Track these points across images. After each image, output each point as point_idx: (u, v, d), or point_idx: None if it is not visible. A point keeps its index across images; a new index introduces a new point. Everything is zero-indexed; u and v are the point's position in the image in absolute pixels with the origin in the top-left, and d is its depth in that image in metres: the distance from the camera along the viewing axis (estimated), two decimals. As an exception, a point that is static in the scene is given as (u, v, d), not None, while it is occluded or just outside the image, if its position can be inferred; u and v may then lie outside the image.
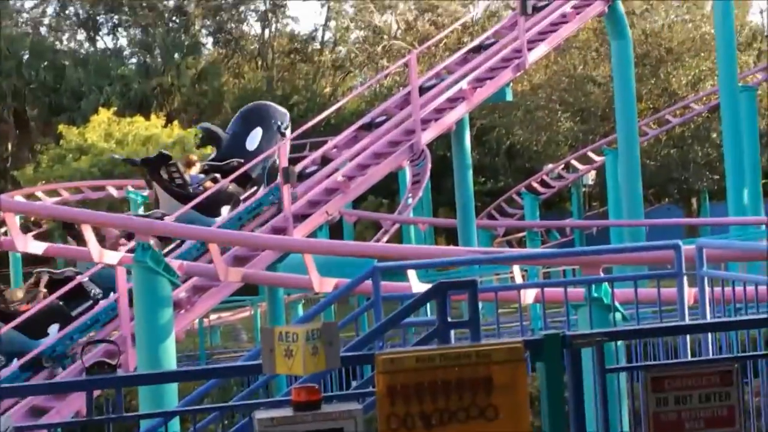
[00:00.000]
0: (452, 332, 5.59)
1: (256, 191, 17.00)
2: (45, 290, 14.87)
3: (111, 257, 13.03)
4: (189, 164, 17.52)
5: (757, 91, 26.33)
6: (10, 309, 14.38)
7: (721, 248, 7.98)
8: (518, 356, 4.54)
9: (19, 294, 15.42)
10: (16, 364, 13.67)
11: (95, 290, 14.83)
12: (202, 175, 17.18)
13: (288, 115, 18.61)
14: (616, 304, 8.22)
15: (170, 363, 11.54)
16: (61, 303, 14.39)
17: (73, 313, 14.47)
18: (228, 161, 17.12)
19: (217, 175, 16.87)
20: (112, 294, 14.11)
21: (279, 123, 17.94)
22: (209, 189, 16.35)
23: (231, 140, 17.70)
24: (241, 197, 16.85)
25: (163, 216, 15.53)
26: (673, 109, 32.30)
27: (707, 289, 7.25)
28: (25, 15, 53.98)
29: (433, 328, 5.58)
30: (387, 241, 26.79)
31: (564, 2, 21.39)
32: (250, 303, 24.70)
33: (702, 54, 35.30)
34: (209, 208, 16.10)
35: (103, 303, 14.52)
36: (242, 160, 16.84)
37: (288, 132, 18.06)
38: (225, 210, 16.50)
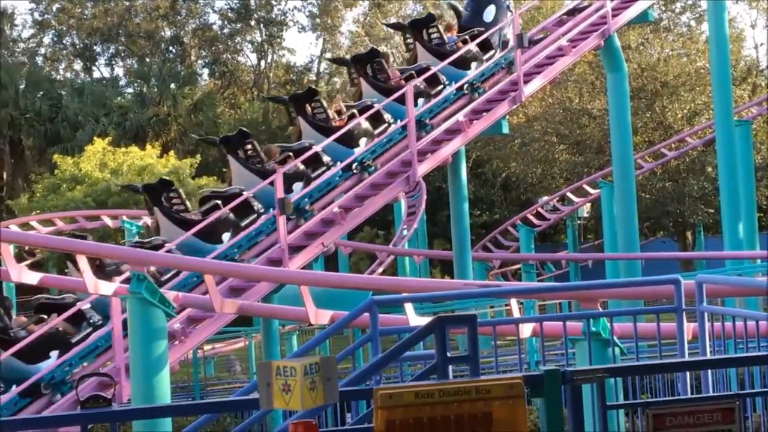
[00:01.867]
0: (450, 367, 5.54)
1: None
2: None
3: (106, 288, 12.95)
4: (449, 28, 20.79)
5: (751, 125, 26.39)
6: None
7: (721, 283, 7.94)
8: (518, 392, 4.49)
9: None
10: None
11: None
12: (455, 37, 20.34)
13: None
14: (615, 338, 8.17)
15: (164, 395, 11.45)
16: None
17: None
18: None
19: (467, 37, 20.11)
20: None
21: (507, 3, 21.32)
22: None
23: (470, 15, 21.05)
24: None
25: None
26: (668, 143, 32.34)
27: (707, 324, 7.20)
28: (21, 45, 54.21)
29: (432, 362, 5.53)
30: (382, 273, 26.74)
31: (560, 36, 21.47)
32: (245, 334, 24.61)
33: (697, 88, 35.41)
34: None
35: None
36: (482, 28, 20.13)
37: (512, 9, 21.63)
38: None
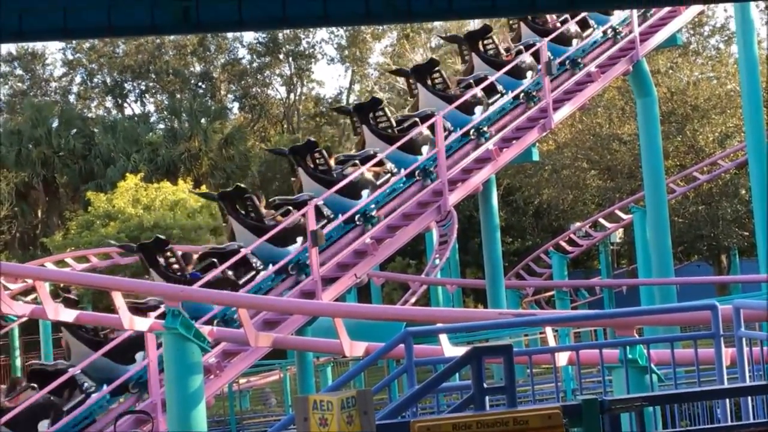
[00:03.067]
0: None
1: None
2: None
3: (141, 324, 13.01)
4: None
5: (784, 147, 26.15)
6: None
7: (759, 308, 7.87)
8: (556, 422, 4.47)
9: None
10: None
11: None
12: None
13: None
14: (652, 365, 8.10)
15: (201, 429, 11.46)
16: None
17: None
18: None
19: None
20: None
21: None
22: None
23: None
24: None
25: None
26: (700, 166, 32.17)
27: (745, 349, 7.13)
28: (53, 84, 54.81)
29: (469, 393, 5.51)
30: (415, 303, 26.71)
31: (589, 62, 21.48)
32: (279, 366, 24.63)
33: (728, 111, 35.20)
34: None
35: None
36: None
37: None
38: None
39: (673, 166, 34.70)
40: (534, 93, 20.24)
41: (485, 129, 19.60)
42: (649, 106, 21.90)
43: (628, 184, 35.51)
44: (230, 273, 16.07)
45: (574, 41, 20.92)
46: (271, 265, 16.35)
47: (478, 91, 19.59)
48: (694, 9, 24.12)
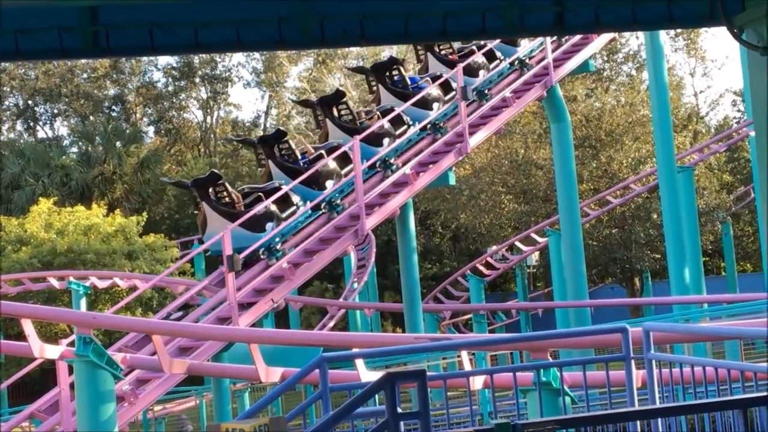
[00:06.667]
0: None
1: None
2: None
3: (51, 352, 12.75)
4: None
5: (694, 171, 26.80)
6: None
7: (668, 331, 8.01)
8: (470, 447, 4.48)
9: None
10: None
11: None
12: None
13: None
14: (566, 388, 8.18)
15: (113, 459, 11.27)
16: (274, 207, 17.68)
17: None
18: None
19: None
20: (308, 202, 18.07)
21: None
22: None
23: None
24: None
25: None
26: (613, 190, 32.73)
27: (655, 371, 7.24)
28: (-37, 107, 53.71)
29: (383, 420, 5.49)
30: (333, 327, 26.62)
31: (504, 87, 21.75)
32: (196, 393, 24.30)
33: (641, 137, 35.90)
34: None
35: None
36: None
37: None
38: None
39: (588, 190, 35.25)
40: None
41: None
42: (563, 131, 22.26)
43: (544, 208, 35.96)
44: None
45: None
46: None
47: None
48: (606, 36, 24.57)
